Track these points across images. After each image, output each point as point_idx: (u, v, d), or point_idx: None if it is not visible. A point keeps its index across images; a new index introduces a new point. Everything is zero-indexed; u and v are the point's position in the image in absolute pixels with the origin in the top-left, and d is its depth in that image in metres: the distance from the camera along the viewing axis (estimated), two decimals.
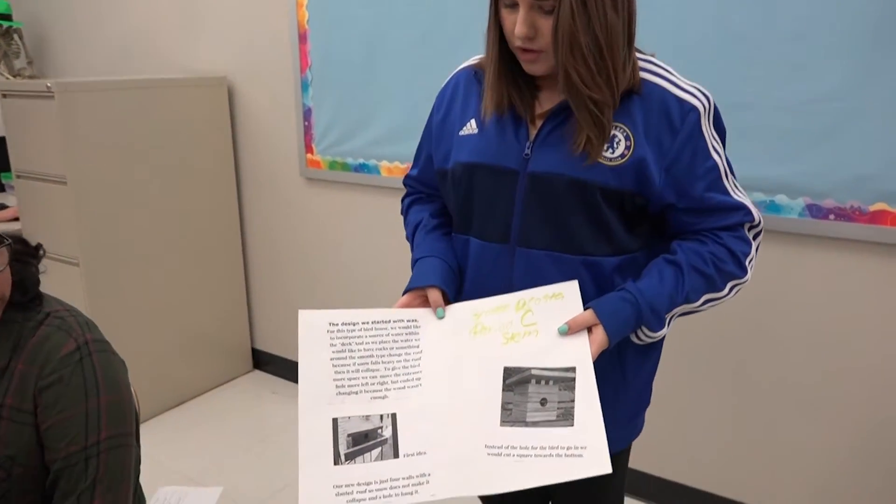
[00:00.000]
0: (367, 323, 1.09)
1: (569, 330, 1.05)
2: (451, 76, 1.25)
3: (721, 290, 1.13)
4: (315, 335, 1.07)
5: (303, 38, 2.58)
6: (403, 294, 1.17)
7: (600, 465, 0.99)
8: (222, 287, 3.04)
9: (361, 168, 2.58)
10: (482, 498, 1.42)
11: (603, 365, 1.12)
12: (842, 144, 1.71)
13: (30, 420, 1.10)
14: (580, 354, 1.05)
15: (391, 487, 1.00)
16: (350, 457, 1.02)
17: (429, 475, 1.01)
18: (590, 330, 1.06)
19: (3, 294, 1.11)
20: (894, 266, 1.73)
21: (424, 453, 1.03)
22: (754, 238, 1.14)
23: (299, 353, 1.06)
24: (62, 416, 1.10)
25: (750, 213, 1.10)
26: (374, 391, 1.07)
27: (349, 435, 1.03)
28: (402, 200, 1.38)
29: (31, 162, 2.54)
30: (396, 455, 1.03)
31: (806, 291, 1.87)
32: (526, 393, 1.05)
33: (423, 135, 1.27)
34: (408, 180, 1.34)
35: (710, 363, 2.05)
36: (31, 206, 2.61)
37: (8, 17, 3.43)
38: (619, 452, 1.25)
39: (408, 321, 1.11)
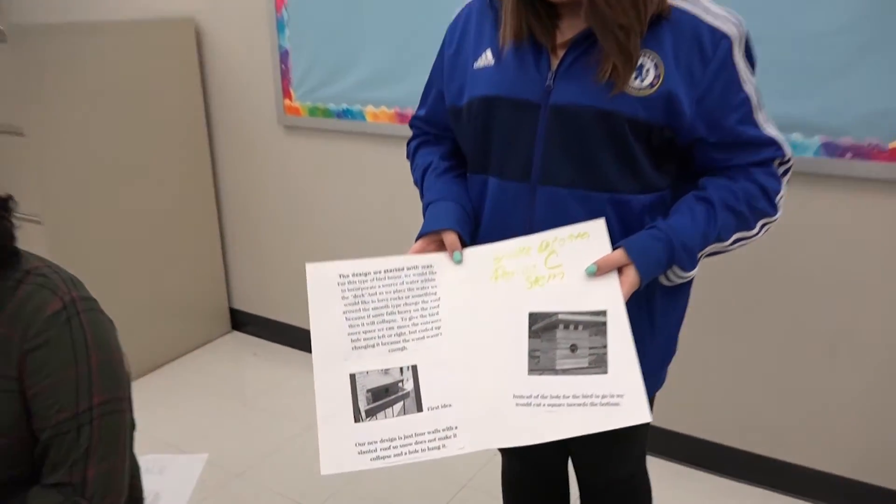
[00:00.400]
0: (380, 272, 1.10)
1: (598, 271, 1.05)
2: (462, 8, 1.22)
3: (752, 228, 1.13)
4: (325, 289, 1.08)
5: None
6: (416, 240, 1.17)
7: (639, 413, 1.00)
8: (196, 244, 3.01)
9: (345, 114, 2.53)
10: (500, 448, 1.45)
11: (630, 311, 1.12)
12: (859, 79, 1.70)
13: (14, 387, 1.07)
14: (611, 296, 1.05)
15: (416, 443, 1.02)
16: (371, 413, 1.03)
17: (455, 428, 1.03)
18: (619, 270, 1.06)
19: None
20: None
21: (450, 405, 1.04)
22: (783, 175, 1.14)
23: (310, 309, 1.07)
24: (50, 382, 1.07)
25: (781, 148, 1.10)
26: (391, 343, 1.07)
27: (369, 390, 1.04)
28: (408, 144, 1.36)
29: None
30: (420, 409, 1.04)
31: (822, 233, 1.87)
32: (554, 339, 1.05)
33: (432, 72, 1.26)
34: (414, 121, 1.33)
35: (724, 308, 2.06)
36: None
37: None
38: None
39: (423, 268, 1.11)
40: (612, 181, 1.08)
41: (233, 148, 2.95)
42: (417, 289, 1.10)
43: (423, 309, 1.09)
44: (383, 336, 1.07)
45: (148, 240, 2.84)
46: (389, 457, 1.01)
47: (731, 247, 1.14)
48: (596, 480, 1.42)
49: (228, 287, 3.19)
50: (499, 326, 1.07)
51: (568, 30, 1.07)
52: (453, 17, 1.23)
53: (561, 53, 1.07)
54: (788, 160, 1.13)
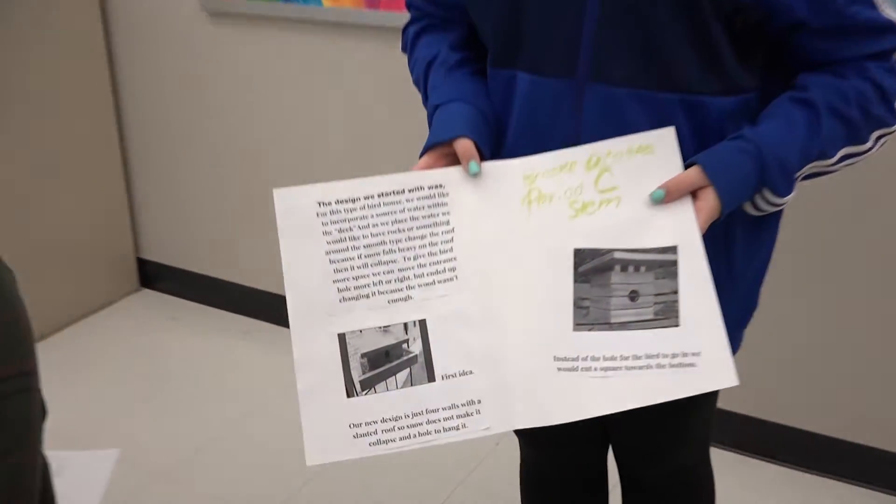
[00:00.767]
0: (373, 197, 1.09)
1: (666, 195, 1.05)
2: None
3: (864, 141, 1.12)
4: (300, 222, 1.08)
5: None
6: (420, 157, 1.15)
7: (722, 375, 1.01)
8: (90, 177, 2.97)
9: None
10: (518, 433, 1.47)
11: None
12: None
13: None
14: (684, 228, 1.05)
15: (429, 422, 1.03)
16: (368, 384, 1.04)
17: (478, 402, 1.04)
18: (694, 195, 1.06)
19: None
20: None
21: (470, 373, 1.05)
22: None
23: (282, 250, 1.07)
24: None
25: None
26: (392, 291, 1.07)
27: (364, 355, 1.05)
28: (405, 31, 1.34)
29: None
30: (432, 378, 1.04)
31: None
32: (608, 284, 1.06)
33: None
34: (413, 1, 1.31)
35: (816, 252, 2.06)
36: None
37: None
38: None
39: (430, 189, 1.11)
40: (686, 78, 1.07)
41: (138, 46, 2.88)
42: (424, 218, 1.09)
43: (431, 245, 1.09)
44: (381, 282, 1.07)
45: (29, 173, 2.78)
46: (394, 440, 1.02)
47: (837, 165, 1.14)
48: (645, 473, 1.44)
49: (135, 232, 3.16)
50: (534, 267, 1.08)
51: None
52: None
53: None
54: None
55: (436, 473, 2.23)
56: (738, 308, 1.25)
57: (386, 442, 1.02)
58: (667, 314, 1.04)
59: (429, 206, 1.10)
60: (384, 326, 1.06)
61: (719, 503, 1.51)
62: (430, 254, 1.08)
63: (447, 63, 1.23)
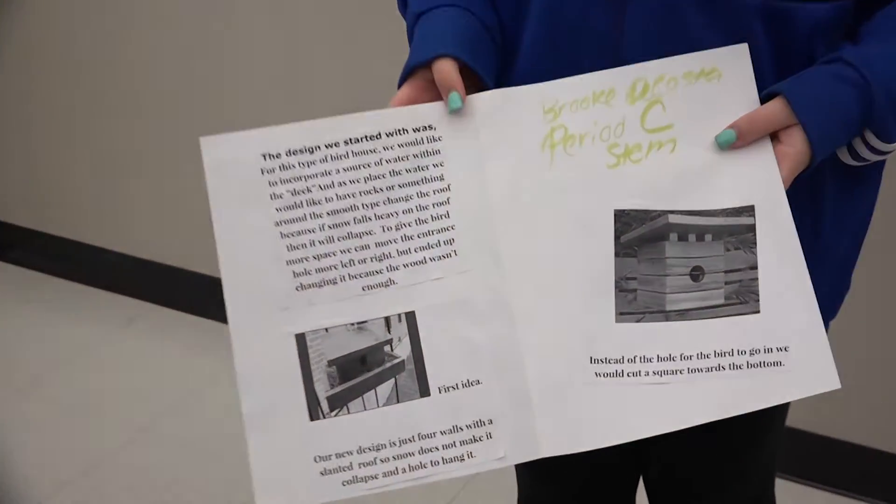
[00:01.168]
0: (338, 145, 1.07)
1: (738, 137, 1.05)
2: None
3: None
4: (238, 182, 1.06)
5: None
6: (399, 85, 1.12)
7: (820, 376, 1.02)
8: None
9: None
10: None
11: None
12: None
13: None
14: (763, 181, 1.05)
15: (423, 451, 1.02)
16: (338, 402, 1.03)
17: (490, 423, 1.03)
18: (775, 137, 1.06)
19: None
20: None
21: (477, 383, 1.04)
22: None
23: (214, 221, 1.05)
24: None
25: None
26: (367, 275, 1.06)
27: (331, 363, 1.04)
28: None
29: None
30: (425, 391, 1.04)
31: None
32: (661, 259, 1.06)
33: None
34: None
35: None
36: None
37: None
38: None
39: (416, 131, 1.09)
40: None
41: None
42: (409, 172, 1.07)
43: (420, 209, 1.07)
44: (352, 263, 1.06)
45: None
46: (375, 477, 1.02)
47: None
48: None
49: None
50: (559, 237, 1.07)
51: None
52: None
53: None
54: None
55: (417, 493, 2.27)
56: (823, 292, 1.21)
57: (365, 479, 1.01)
58: (742, 297, 1.04)
59: (415, 157, 1.07)
60: (358, 323, 1.04)
61: None
62: (420, 221, 1.07)
63: None
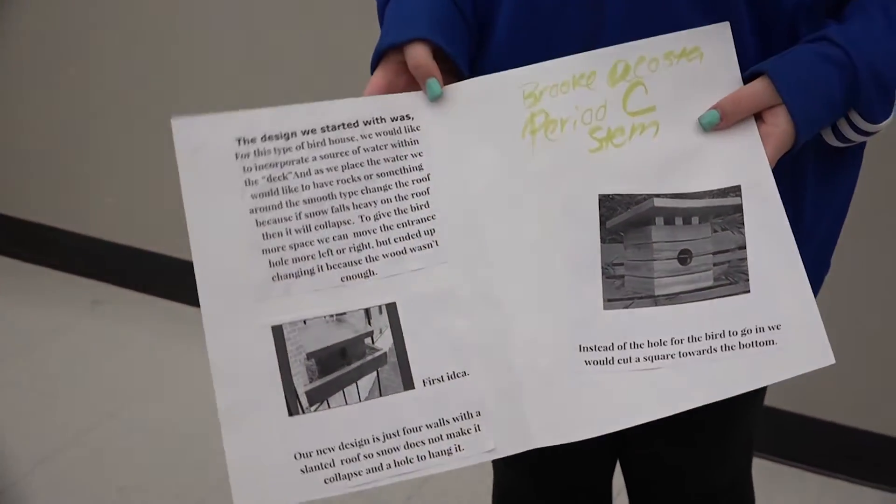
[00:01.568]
0: (315, 131, 1.07)
1: (722, 118, 1.05)
2: None
3: None
4: (211, 167, 1.04)
5: None
6: (373, 69, 1.11)
7: (813, 352, 1.02)
8: None
9: None
10: None
11: None
12: None
13: None
14: (748, 161, 1.05)
15: (408, 446, 1.01)
16: (318, 397, 1.02)
17: (477, 415, 1.02)
18: (760, 117, 1.06)
19: None
20: None
21: (463, 374, 1.04)
22: None
23: (186, 208, 1.03)
24: None
25: None
26: (346, 265, 1.05)
27: (310, 356, 1.03)
28: None
29: None
30: (409, 384, 1.03)
31: None
32: (648, 243, 1.06)
33: None
34: None
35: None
36: None
37: None
38: None
39: (394, 120, 1.08)
40: None
41: None
42: (388, 161, 1.07)
43: (400, 198, 1.07)
44: (330, 252, 1.04)
45: None
46: (359, 474, 1.00)
47: None
48: (668, 500, 1.46)
49: None
50: (543, 224, 1.07)
51: None
52: None
53: None
54: None
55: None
56: (808, 268, 1.24)
57: (348, 476, 0.99)
58: (732, 278, 1.04)
59: (393, 145, 1.07)
60: (337, 314, 1.03)
61: None
62: (399, 211, 1.06)
63: None
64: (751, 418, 1.40)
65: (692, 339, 1.03)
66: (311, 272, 1.04)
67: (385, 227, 1.06)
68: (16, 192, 3.06)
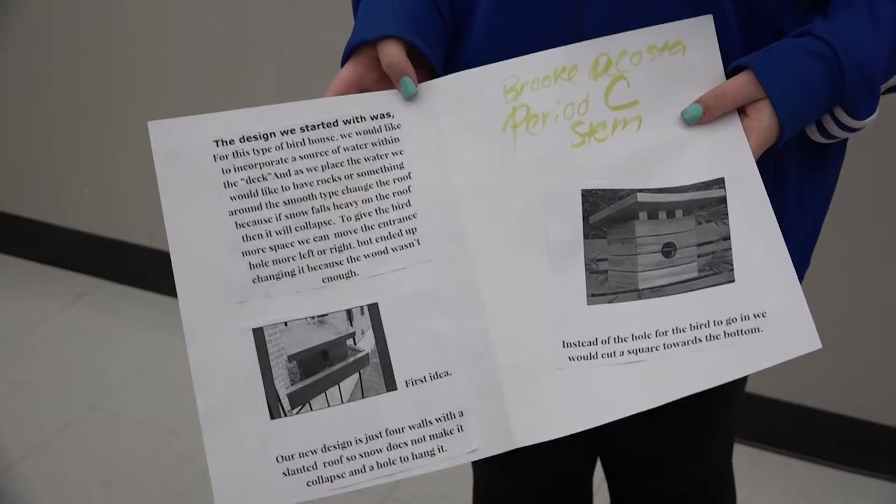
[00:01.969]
0: (294, 131, 1.06)
1: (705, 112, 1.05)
2: None
3: None
4: (189, 170, 1.04)
5: None
6: (343, 60, 1.10)
7: (800, 338, 1.02)
8: None
9: None
10: None
11: None
12: None
13: None
14: (731, 153, 1.05)
15: (391, 447, 1.01)
16: (300, 399, 1.02)
17: (460, 415, 1.02)
18: (743, 111, 1.06)
19: None
20: None
21: (446, 374, 1.03)
22: None
23: (164, 211, 1.03)
24: None
25: None
26: (327, 266, 1.05)
27: (292, 358, 1.02)
28: None
29: None
30: (392, 385, 1.03)
31: None
32: (632, 238, 1.05)
33: None
34: None
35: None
36: None
37: None
38: None
39: (374, 119, 1.08)
40: None
41: None
42: (368, 160, 1.07)
43: (381, 198, 1.06)
44: (310, 253, 1.04)
45: None
46: (342, 476, 1.00)
47: None
48: (651, 493, 1.45)
49: None
50: (526, 220, 1.07)
51: None
52: None
53: None
54: None
55: None
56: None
57: (331, 479, 0.99)
58: (716, 268, 1.04)
59: (374, 144, 1.07)
60: (319, 316, 1.03)
61: None
62: (380, 210, 1.06)
63: None
64: (733, 410, 1.40)
65: (676, 330, 1.02)
66: (292, 273, 1.03)
67: (366, 227, 1.05)
68: None
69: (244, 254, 1.03)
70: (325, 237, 1.04)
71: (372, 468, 1.00)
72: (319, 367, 1.02)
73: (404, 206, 1.06)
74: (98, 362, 2.64)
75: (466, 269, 1.05)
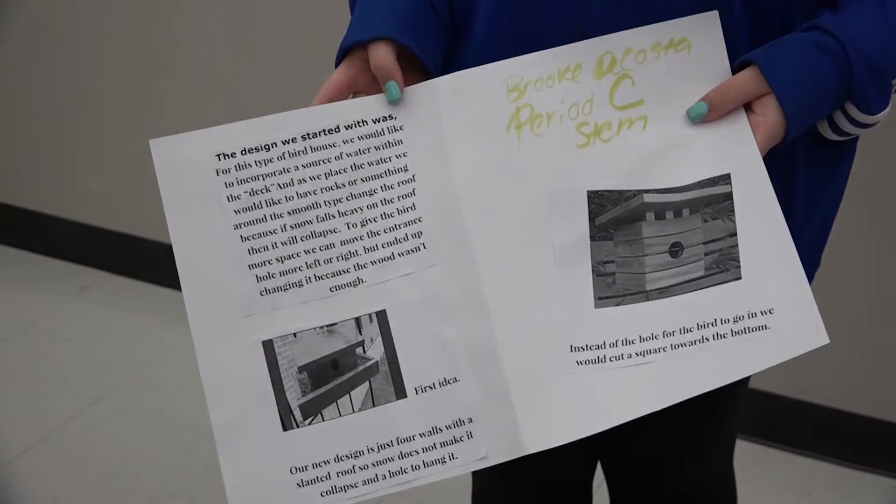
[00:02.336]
0: (295, 140, 1.06)
1: (711, 110, 1.04)
2: None
3: None
4: (193, 185, 1.04)
5: None
6: (337, 62, 1.09)
7: (808, 334, 1.01)
8: None
9: None
10: None
11: None
12: None
13: None
14: (737, 150, 1.04)
15: (402, 456, 1.01)
16: (311, 410, 1.02)
17: (469, 422, 1.02)
18: (749, 107, 1.05)
19: None
20: None
21: (455, 380, 1.03)
22: None
23: (170, 227, 1.03)
24: None
25: None
26: (334, 274, 1.04)
27: (302, 369, 1.02)
28: None
29: None
30: (401, 392, 1.03)
31: None
32: (639, 239, 1.05)
33: None
34: None
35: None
36: None
37: None
38: None
39: (376, 122, 1.07)
40: None
41: None
42: (372, 165, 1.06)
43: (386, 203, 1.05)
44: (317, 263, 1.04)
45: None
46: (355, 486, 1.00)
47: None
48: (652, 495, 1.45)
49: None
50: (531, 222, 1.06)
51: None
52: None
53: None
54: None
55: None
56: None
57: (345, 488, 0.99)
58: (723, 266, 1.03)
59: (377, 148, 1.05)
60: (328, 325, 1.03)
61: None
62: (385, 215, 1.05)
63: None
64: (735, 412, 1.40)
65: (684, 330, 1.02)
66: (300, 284, 1.03)
67: (372, 233, 1.05)
68: (2, 178, 3.05)
69: (251, 267, 1.03)
70: (331, 245, 1.04)
71: (384, 477, 1.00)
72: (330, 377, 1.02)
73: (409, 209, 1.05)
74: (102, 355, 2.64)
75: (472, 273, 1.04)
